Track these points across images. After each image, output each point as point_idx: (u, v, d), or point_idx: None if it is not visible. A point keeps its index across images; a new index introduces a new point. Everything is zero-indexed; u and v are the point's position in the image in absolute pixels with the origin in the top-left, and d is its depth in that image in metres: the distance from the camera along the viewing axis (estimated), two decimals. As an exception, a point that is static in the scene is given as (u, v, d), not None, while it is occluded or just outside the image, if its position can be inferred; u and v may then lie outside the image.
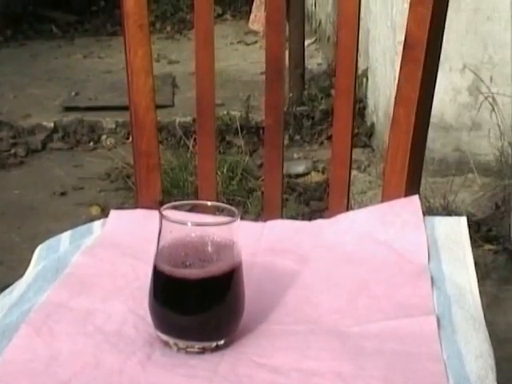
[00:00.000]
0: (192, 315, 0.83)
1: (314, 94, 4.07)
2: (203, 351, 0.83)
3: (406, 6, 1.11)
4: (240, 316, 0.85)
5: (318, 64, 4.88)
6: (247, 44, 5.76)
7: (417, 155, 1.15)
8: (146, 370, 0.80)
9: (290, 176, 3.20)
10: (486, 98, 2.95)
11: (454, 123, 3.04)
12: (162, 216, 0.83)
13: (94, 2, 6.96)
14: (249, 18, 5.92)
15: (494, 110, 2.96)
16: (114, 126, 4.01)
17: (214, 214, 0.92)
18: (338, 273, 1.00)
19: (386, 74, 3.25)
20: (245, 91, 4.05)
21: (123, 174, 3.36)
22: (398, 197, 1.12)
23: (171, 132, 3.79)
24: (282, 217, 1.20)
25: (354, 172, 3.04)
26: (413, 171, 1.14)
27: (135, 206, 1.20)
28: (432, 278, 0.97)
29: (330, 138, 3.31)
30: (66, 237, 1.13)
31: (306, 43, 4.35)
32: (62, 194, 3.30)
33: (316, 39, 5.53)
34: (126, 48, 1.18)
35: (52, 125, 4.01)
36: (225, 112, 3.81)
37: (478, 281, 0.99)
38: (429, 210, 2.61)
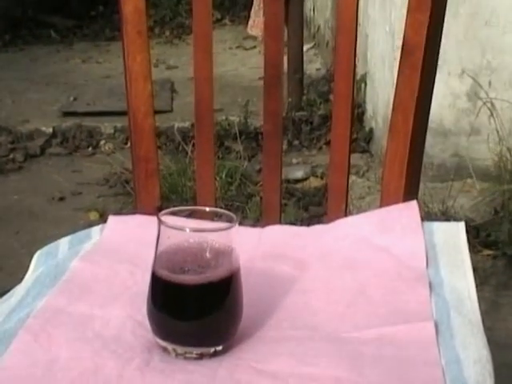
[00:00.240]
0: (190, 321, 0.83)
1: (312, 99, 4.07)
2: (201, 357, 0.83)
3: (404, 11, 1.12)
4: (238, 322, 0.85)
5: (317, 69, 4.88)
6: (246, 49, 5.77)
7: (415, 160, 1.15)
8: (144, 376, 0.80)
9: (288, 181, 3.20)
10: (484, 103, 2.95)
11: (453, 128, 3.04)
12: (160, 222, 0.83)
13: (93, 7, 6.97)
14: (247, 23, 5.92)
15: (492, 115, 2.96)
16: (112, 131, 4.01)
17: (212, 219, 0.92)
18: (337, 278, 1.00)
19: (385, 79, 3.25)
20: (243, 96, 4.06)
21: (122, 180, 3.36)
22: (396, 202, 1.12)
23: (170, 137, 3.79)
24: (280, 222, 1.20)
25: (352, 177, 3.04)
26: (411, 176, 1.15)
27: (134, 212, 1.20)
28: (430, 284, 0.96)
29: (328, 143, 3.30)
30: (64, 242, 1.13)
31: (305, 48, 4.36)
32: (61, 199, 3.30)
33: (315, 44, 5.54)
34: (124, 54, 1.19)
35: (51, 130, 4.01)
36: (223, 117, 3.81)
37: (477, 286, 0.99)
38: (428, 215, 2.61)
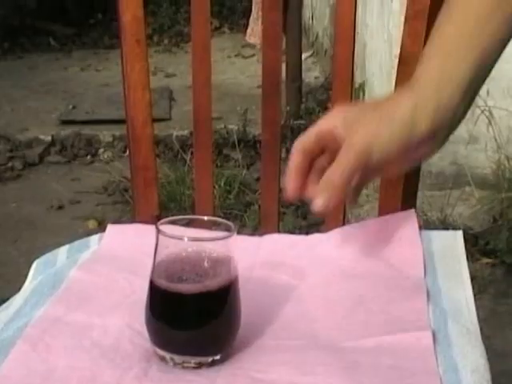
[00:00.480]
0: (188, 330, 0.83)
1: (311, 107, 4.08)
2: (200, 366, 0.83)
3: (402, 19, 1.12)
4: (236, 331, 0.85)
5: (316, 77, 4.89)
6: (244, 57, 5.78)
7: (413, 169, 1.15)
8: (142, 385, 0.80)
9: (287, 189, 3.20)
10: (482, 112, 2.95)
11: (451, 136, 3.04)
12: (158, 231, 0.84)
13: (92, 14, 6.99)
14: (246, 32, 5.93)
15: (490, 123, 2.96)
16: (111, 139, 4.01)
17: (210, 228, 0.92)
18: (335, 287, 1.00)
19: (383, 88, 3.26)
20: (242, 104, 4.06)
21: (120, 188, 3.37)
22: (394, 210, 1.12)
23: (168, 145, 3.79)
24: (278, 230, 1.20)
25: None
26: (409, 185, 1.15)
27: (132, 220, 1.20)
28: (428, 293, 0.96)
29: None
30: (63, 251, 1.13)
31: (304, 56, 4.36)
32: (59, 207, 3.30)
33: (313, 52, 5.55)
34: (122, 62, 1.18)
35: (49, 138, 4.02)
36: (222, 125, 3.81)
37: (475, 295, 0.99)
38: (426, 224, 2.61)
